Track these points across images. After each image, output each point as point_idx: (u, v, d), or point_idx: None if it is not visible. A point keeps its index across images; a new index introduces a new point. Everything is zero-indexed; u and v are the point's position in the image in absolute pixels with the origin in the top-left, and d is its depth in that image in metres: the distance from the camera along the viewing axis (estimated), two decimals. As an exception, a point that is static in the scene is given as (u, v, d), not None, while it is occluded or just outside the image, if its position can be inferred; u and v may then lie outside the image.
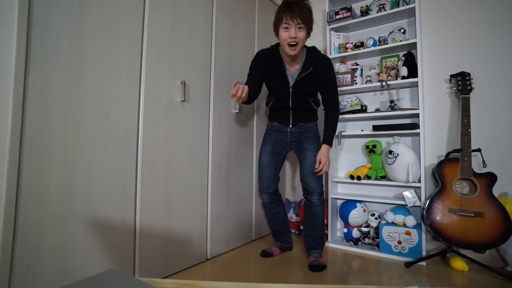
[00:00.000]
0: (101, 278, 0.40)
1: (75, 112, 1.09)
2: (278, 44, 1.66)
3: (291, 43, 1.48)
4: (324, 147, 1.61)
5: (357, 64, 2.19)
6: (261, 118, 2.22)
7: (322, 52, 1.70)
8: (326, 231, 2.09)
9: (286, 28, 1.47)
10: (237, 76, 1.96)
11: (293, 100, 1.67)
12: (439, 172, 1.68)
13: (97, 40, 1.17)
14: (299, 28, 1.47)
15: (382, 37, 2.04)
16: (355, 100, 2.06)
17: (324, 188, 1.65)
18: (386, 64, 2.07)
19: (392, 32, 2.00)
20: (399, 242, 1.77)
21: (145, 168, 1.35)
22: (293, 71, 1.64)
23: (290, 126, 1.72)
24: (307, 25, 1.48)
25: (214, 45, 1.76)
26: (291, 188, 2.52)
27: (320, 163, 1.58)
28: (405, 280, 1.46)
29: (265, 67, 1.65)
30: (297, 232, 2.27)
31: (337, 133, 2.13)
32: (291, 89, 1.65)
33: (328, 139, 1.62)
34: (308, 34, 1.53)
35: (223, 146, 1.82)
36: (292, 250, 1.88)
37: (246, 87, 1.39)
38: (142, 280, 0.41)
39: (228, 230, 1.85)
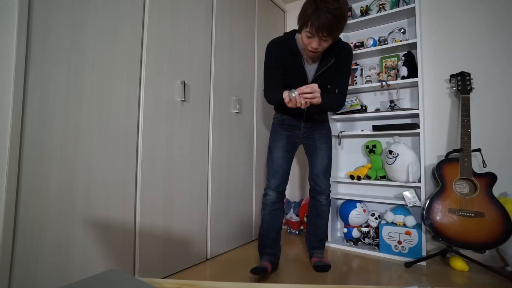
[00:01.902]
0: (102, 278, 0.40)
1: (75, 112, 1.09)
2: (294, 32, 1.47)
3: (312, 51, 1.31)
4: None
5: (357, 64, 2.19)
6: (261, 118, 2.22)
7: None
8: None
9: (309, 37, 1.26)
10: (237, 75, 1.96)
11: (299, 111, 1.53)
12: (439, 172, 1.68)
13: (97, 40, 1.17)
14: (324, 40, 1.26)
15: (382, 37, 2.04)
16: (355, 100, 2.06)
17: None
18: (386, 64, 2.07)
19: (392, 32, 2.00)
20: (399, 242, 1.77)
21: (145, 168, 1.35)
22: (312, 64, 1.46)
23: (304, 120, 1.58)
24: (335, 36, 1.27)
25: (214, 45, 1.76)
26: (291, 188, 2.52)
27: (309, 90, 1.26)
28: (405, 280, 1.46)
29: (283, 62, 1.44)
30: (297, 232, 2.27)
31: (337, 133, 2.13)
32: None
33: (324, 98, 1.35)
34: (335, 39, 1.33)
35: (223, 146, 1.82)
36: (292, 250, 1.88)
37: (297, 96, 1.24)
38: (142, 280, 0.41)
39: (228, 230, 1.85)
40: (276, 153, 1.57)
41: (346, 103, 2.09)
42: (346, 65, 1.46)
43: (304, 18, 1.23)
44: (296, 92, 1.24)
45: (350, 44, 1.51)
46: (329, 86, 1.51)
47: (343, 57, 1.44)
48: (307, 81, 1.47)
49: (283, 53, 1.43)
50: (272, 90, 1.44)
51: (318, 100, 1.28)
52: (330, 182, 1.65)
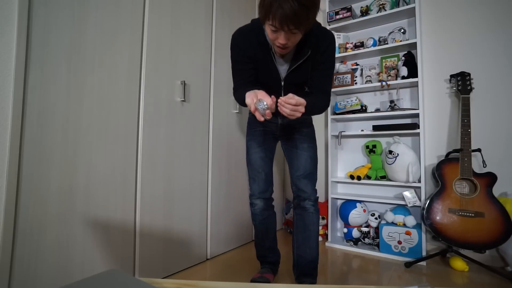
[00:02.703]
0: (102, 278, 0.40)
1: (75, 112, 1.09)
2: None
3: (280, 47, 1.05)
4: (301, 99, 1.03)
5: (357, 64, 2.19)
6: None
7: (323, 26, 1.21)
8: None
9: (274, 31, 0.99)
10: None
11: (286, 93, 1.26)
12: (439, 172, 1.68)
13: (97, 40, 1.17)
14: (293, 33, 0.99)
15: (382, 37, 2.04)
16: (355, 100, 2.06)
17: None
18: (386, 64, 2.07)
19: (392, 32, 2.00)
20: (399, 242, 1.77)
21: (145, 168, 1.35)
22: (284, 59, 1.21)
23: (281, 116, 1.32)
24: (305, 27, 0.99)
25: (214, 45, 1.76)
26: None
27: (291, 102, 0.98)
28: (405, 280, 1.46)
29: (250, 56, 1.20)
30: (297, 232, 2.27)
31: (336, 133, 2.12)
32: (283, 82, 1.24)
33: (308, 102, 1.05)
34: (307, 29, 1.04)
35: (223, 146, 1.82)
36: (289, 251, 1.87)
37: (269, 110, 0.98)
38: (142, 280, 0.41)
39: (228, 230, 1.85)
40: (253, 154, 1.38)
41: (346, 103, 2.08)
42: (328, 60, 1.20)
43: (264, 9, 0.96)
44: (266, 104, 0.96)
45: (332, 31, 1.23)
46: (307, 84, 1.27)
47: (322, 49, 1.17)
48: (280, 78, 1.23)
49: (249, 44, 1.18)
50: (240, 90, 1.18)
51: (300, 114, 1.01)
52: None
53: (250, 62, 1.21)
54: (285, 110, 0.98)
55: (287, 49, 1.08)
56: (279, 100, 0.98)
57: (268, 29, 1.02)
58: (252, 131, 1.39)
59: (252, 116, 1.42)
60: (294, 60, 1.19)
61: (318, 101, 1.19)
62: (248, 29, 1.21)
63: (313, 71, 1.22)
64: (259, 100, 0.97)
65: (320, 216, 2.06)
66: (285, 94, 1.25)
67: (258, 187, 1.37)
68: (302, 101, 0.99)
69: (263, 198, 1.39)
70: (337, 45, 2.17)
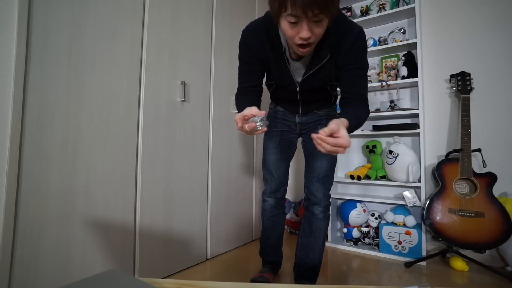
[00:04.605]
0: (102, 278, 0.40)
1: (75, 112, 1.09)
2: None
3: (303, 44, 0.86)
4: (344, 122, 0.86)
5: (357, 64, 2.19)
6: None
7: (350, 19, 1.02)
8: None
9: (294, 23, 0.80)
10: (237, 75, 1.96)
11: (302, 95, 1.18)
12: (439, 172, 1.68)
13: (97, 40, 1.17)
14: (316, 22, 0.80)
15: (382, 37, 2.04)
16: (355, 100, 2.06)
17: (331, 200, 1.30)
18: (386, 64, 2.07)
19: (392, 32, 2.00)
20: (399, 242, 1.77)
21: (145, 168, 1.35)
22: (301, 62, 1.06)
23: (300, 114, 1.29)
24: (332, 11, 0.80)
25: (214, 45, 1.76)
26: (291, 187, 2.52)
27: (333, 135, 0.78)
28: (405, 280, 1.46)
29: (261, 57, 1.08)
30: (297, 232, 2.27)
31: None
32: (298, 87, 1.13)
33: (351, 120, 0.89)
34: (331, 22, 0.86)
35: (223, 146, 1.82)
36: (292, 250, 1.88)
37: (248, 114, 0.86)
38: (142, 280, 0.41)
39: (228, 230, 1.85)
40: (268, 154, 1.35)
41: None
42: (356, 60, 0.99)
43: None
44: (261, 119, 0.83)
45: (358, 25, 1.01)
46: (327, 86, 1.14)
47: (346, 48, 0.97)
48: (295, 82, 1.12)
49: (260, 44, 1.04)
50: (242, 97, 1.10)
51: (344, 150, 0.79)
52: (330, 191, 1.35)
53: (259, 64, 1.10)
54: (325, 147, 0.77)
55: (310, 46, 0.89)
56: (314, 136, 0.78)
57: (285, 25, 0.84)
58: (270, 131, 1.35)
59: (271, 113, 1.37)
60: (311, 64, 1.03)
61: (359, 113, 0.97)
62: (260, 26, 1.04)
63: (342, 72, 1.04)
64: (257, 117, 0.85)
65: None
66: (301, 99, 1.21)
67: (269, 187, 1.37)
68: (343, 135, 0.76)
69: (274, 197, 1.38)
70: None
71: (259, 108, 1.01)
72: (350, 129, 0.88)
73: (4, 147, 0.90)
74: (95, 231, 1.15)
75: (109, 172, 1.20)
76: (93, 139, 1.15)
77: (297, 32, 0.83)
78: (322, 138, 0.76)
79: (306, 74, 1.07)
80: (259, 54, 1.07)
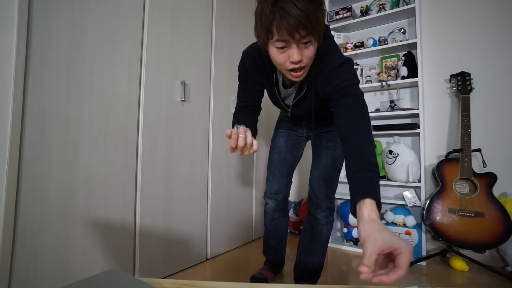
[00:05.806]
0: (101, 278, 0.40)
1: (75, 112, 1.09)
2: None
3: (295, 68, 0.82)
4: (373, 210, 0.60)
5: (357, 64, 2.19)
6: (261, 117, 2.22)
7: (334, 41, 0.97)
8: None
9: (282, 48, 0.79)
10: (237, 75, 1.96)
11: (296, 117, 1.23)
12: (439, 172, 1.68)
13: (97, 40, 1.17)
14: (305, 44, 0.78)
15: (382, 37, 2.04)
16: (355, 100, 2.06)
17: (335, 203, 1.22)
18: (386, 64, 2.07)
19: (392, 32, 2.00)
20: (399, 242, 1.77)
21: (145, 168, 1.35)
22: (292, 88, 1.05)
23: (306, 120, 1.27)
24: (318, 31, 0.77)
25: (214, 45, 1.76)
26: (292, 186, 2.52)
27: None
28: (405, 280, 1.46)
29: (258, 78, 1.07)
30: (297, 232, 2.27)
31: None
32: (290, 111, 1.15)
33: (369, 185, 0.66)
34: (319, 43, 0.83)
35: (223, 146, 1.82)
36: (292, 250, 1.88)
37: (243, 129, 0.77)
38: (142, 280, 0.41)
39: (228, 230, 1.85)
40: (273, 154, 1.35)
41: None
42: (338, 70, 0.86)
43: (264, 24, 0.76)
44: (242, 131, 0.77)
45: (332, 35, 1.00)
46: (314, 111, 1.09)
47: (325, 75, 0.88)
48: (287, 110, 1.15)
49: (257, 69, 1.03)
50: (238, 114, 1.09)
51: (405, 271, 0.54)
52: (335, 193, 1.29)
53: (257, 84, 1.09)
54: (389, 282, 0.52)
55: (303, 71, 0.85)
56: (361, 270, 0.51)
57: (274, 52, 0.82)
58: (276, 131, 1.37)
59: (280, 117, 1.39)
60: (299, 91, 1.01)
61: (365, 139, 0.76)
62: (258, 51, 0.99)
63: (327, 79, 0.89)
64: (240, 128, 0.78)
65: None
66: (299, 119, 1.24)
67: (270, 187, 1.35)
68: (401, 264, 0.51)
69: (275, 199, 1.36)
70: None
71: (255, 127, 1.07)
72: (376, 195, 0.63)
73: (4, 147, 0.90)
74: (95, 231, 1.15)
75: (109, 172, 1.20)
76: (93, 139, 1.15)
77: (287, 57, 0.81)
78: (382, 280, 0.50)
79: (295, 100, 1.06)
80: (256, 77, 1.06)
